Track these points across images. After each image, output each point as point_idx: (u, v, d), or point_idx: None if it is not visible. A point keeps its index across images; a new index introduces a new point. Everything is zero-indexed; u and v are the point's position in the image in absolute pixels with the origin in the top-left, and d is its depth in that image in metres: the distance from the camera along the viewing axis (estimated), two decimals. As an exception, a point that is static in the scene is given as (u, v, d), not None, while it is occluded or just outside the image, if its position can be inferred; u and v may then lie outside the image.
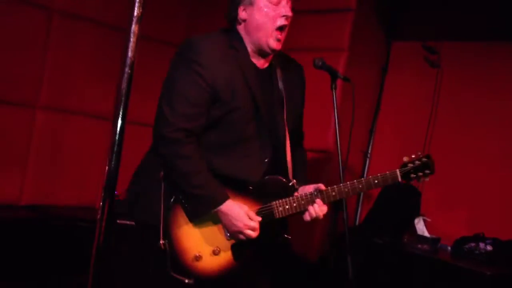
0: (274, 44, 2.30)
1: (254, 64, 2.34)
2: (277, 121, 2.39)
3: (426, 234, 3.84)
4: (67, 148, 4.18)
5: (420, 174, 2.37)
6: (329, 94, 2.59)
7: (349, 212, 4.08)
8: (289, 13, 2.30)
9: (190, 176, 2.20)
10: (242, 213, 2.23)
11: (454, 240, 3.73)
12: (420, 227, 3.86)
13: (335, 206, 2.75)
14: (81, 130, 4.24)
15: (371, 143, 4.49)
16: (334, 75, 2.55)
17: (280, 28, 2.31)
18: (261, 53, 2.35)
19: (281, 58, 2.46)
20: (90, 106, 4.26)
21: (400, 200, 3.96)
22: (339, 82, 2.62)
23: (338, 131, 2.55)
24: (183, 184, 2.21)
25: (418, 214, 3.94)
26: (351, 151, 3.22)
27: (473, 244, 3.57)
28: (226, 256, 2.29)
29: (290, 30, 4.25)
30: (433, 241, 3.75)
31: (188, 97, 2.19)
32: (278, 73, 2.43)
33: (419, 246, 3.70)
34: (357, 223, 4.39)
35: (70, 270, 3.59)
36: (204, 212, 2.23)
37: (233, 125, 2.28)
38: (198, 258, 2.25)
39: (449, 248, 3.76)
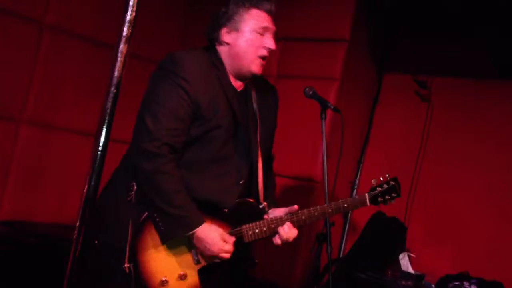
0: (256, 69, 2.32)
1: (232, 85, 2.34)
2: (252, 143, 2.38)
3: (411, 270, 3.78)
4: (50, 164, 4.10)
5: (388, 197, 2.42)
6: (318, 123, 2.58)
7: (333, 244, 4.02)
8: (273, 47, 2.33)
9: (170, 195, 2.14)
10: (217, 238, 2.19)
11: (439, 277, 3.68)
12: (405, 262, 3.81)
13: (319, 237, 2.71)
14: (65, 146, 4.16)
15: (359, 174, 4.46)
16: (324, 105, 2.57)
17: (262, 57, 2.33)
18: (240, 76, 2.36)
19: (256, 80, 2.45)
20: (76, 122, 4.19)
21: (386, 234, 3.92)
22: (329, 111, 2.61)
23: (326, 160, 2.54)
24: (161, 202, 2.14)
25: (403, 250, 3.90)
26: (339, 181, 3.20)
27: (457, 283, 3.52)
28: (192, 281, 2.24)
29: (284, 57, 4.29)
30: (417, 278, 3.70)
31: (173, 111, 2.15)
32: (253, 95, 2.43)
33: (403, 282, 3.64)
34: (341, 255, 4.33)
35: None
36: (179, 234, 2.18)
37: (211, 144, 2.25)
38: (164, 283, 2.19)
39: (433, 285, 3.70)
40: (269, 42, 2.30)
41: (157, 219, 2.16)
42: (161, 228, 2.16)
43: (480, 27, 3.97)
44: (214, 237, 2.19)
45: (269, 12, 2.32)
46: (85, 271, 2.22)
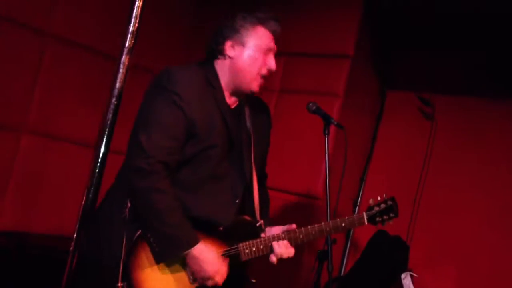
0: (256, 88, 2.30)
1: (226, 103, 2.31)
2: (246, 160, 2.34)
3: (413, 290, 3.73)
4: (50, 174, 4.06)
5: (386, 217, 2.38)
6: (321, 139, 2.55)
7: (334, 262, 3.98)
8: (275, 68, 2.31)
9: (164, 213, 2.09)
10: (213, 258, 2.15)
11: (441, 298, 3.63)
12: (407, 282, 3.75)
13: (320, 255, 2.66)
14: (66, 157, 4.13)
15: (361, 192, 4.41)
16: (327, 121, 2.55)
17: (263, 76, 2.31)
18: (236, 92, 2.33)
19: (249, 97, 2.42)
20: (77, 133, 4.17)
21: (388, 253, 3.86)
22: (332, 128, 2.58)
23: (329, 177, 2.51)
24: (155, 222, 2.09)
25: (405, 269, 3.83)
26: (341, 198, 3.16)
27: (460, 304, 3.46)
28: None
29: (287, 71, 4.27)
30: (419, 298, 3.64)
31: (167, 129, 2.11)
32: (246, 112, 2.40)
33: (405, 302, 3.59)
34: (342, 274, 4.27)
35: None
36: (173, 255, 2.12)
37: (206, 163, 2.21)
38: None
39: (435, 306, 3.65)
40: (272, 63, 2.30)
41: (151, 239, 2.10)
42: (156, 248, 2.11)
43: (484, 44, 3.96)
44: (210, 257, 2.14)
45: (274, 33, 2.31)
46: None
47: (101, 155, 2.10)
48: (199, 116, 2.16)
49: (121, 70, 2.09)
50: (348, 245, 4.33)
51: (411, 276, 3.81)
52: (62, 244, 3.92)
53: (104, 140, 2.10)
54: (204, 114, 2.18)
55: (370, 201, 2.39)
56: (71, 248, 2.19)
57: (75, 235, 2.15)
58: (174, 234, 2.09)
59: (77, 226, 2.13)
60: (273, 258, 2.27)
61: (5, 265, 3.48)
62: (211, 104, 2.22)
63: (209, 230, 2.21)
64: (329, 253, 2.47)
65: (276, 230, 2.34)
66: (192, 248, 2.10)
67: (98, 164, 2.09)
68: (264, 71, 2.29)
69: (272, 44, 2.30)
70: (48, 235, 4.06)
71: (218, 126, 2.22)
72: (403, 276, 3.77)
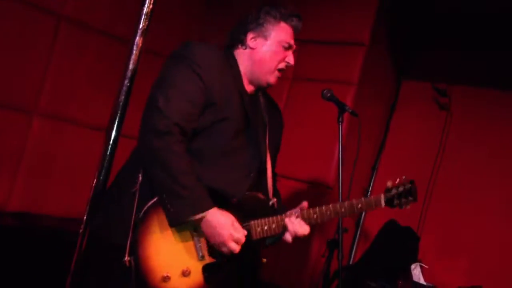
0: (273, 80, 2.33)
1: (244, 87, 2.32)
2: (261, 142, 2.34)
3: (422, 281, 3.71)
4: (61, 157, 4.08)
5: (404, 200, 2.33)
6: (333, 127, 2.52)
7: (344, 250, 3.96)
8: (293, 63, 2.35)
9: (180, 174, 2.04)
10: (228, 222, 2.09)
11: (451, 290, 3.62)
12: (416, 273, 3.74)
13: (330, 244, 2.65)
14: (77, 140, 4.14)
15: (372, 181, 4.38)
16: (342, 108, 2.53)
17: (281, 70, 2.33)
18: (254, 82, 2.34)
19: (265, 93, 2.47)
20: (89, 116, 4.17)
21: (398, 243, 3.84)
22: (345, 116, 2.56)
23: (341, 165, 2.48)
24: (170, 182, 2.04)
25: (415, 260, 3.82)
26: (353, 187, 3.13)
27: (470, 297, 3.45)
28: (196, 278, 2.13)
29: (301, 59, 4.23)
30: (429, 290, 3.63)
31: (185, 94, 2.10)
32: (262, 103, 2.42)
33: (414, 293, 3.58)
34: (350, 262, 4.25)
35: (47, 284, 3.45)
36: (188, 216, 2.06)
37: (222, 135, 2.19)
38: (166, 279, 2.08)
39: (445, 298, 3.63)
40: (291, 59, 2.33)
41: (166, 200, 2.06)
42: (170, 209, 2.06)
43: (504, 37, 3.89)
44: (225, 221, 2.09)
45: (295, 29, 2.34)
46: (87, 265, 2.18)
47: (112, 138, 2.08)
48: (217, 86, 2.16)
49: (134, 52, 2.07)
50: (358, 234, 4.31)
51: (421, 267, 3.79)
52: (73, 226, 3.95)
53: (116, 123, 2.08)
54: (222, 85, 2.18)
55: (388, 183, 2.33)
56: (80, 230, 2.19)
57: (85, 217, 2.14)
58: (190, 196, 2.05)
59: (87, 208, 2.12)
60: (288, 237, 2.25)
61: (16, 246, 3.50)
62: (229, 81, 2.23)
63: (221, 202, 2.15)
64: (340, 242, 2.44)
65: (290, 213, 2.30)
66: (207, 212, 2.07)
67: (110, 147, 2.08)
68: (282, 66, 2.32)
69: (292, 41, 2.33)
70: (59, 217, 4.09)
71: (235, 101, 2.22)
72: (412, 266, 3.76)
